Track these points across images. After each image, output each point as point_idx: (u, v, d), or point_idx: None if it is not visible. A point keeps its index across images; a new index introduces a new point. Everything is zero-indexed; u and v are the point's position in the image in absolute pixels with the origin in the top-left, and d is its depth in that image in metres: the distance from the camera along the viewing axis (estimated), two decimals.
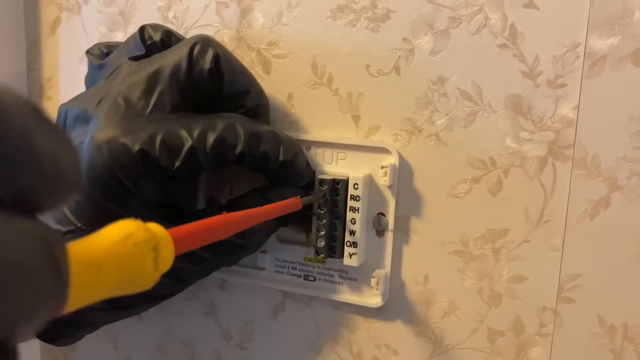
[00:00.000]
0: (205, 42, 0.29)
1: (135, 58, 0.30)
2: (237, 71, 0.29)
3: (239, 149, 0.28)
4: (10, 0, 0.38)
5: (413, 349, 0.33)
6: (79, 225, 0.27)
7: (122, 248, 0.15)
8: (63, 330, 0.28)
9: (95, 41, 0.38)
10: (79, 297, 0.13)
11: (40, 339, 0.28)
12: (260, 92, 0.31)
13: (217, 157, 0.28)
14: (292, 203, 0.27)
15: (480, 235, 0.30)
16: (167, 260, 0.17)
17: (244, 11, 0.34)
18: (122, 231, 0.15)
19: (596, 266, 0.28)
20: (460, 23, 0.29)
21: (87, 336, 0.42)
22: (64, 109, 0.30)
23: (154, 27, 0.31)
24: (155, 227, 0.16)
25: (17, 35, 0.39)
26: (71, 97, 0.31)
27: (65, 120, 0.30)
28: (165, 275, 0.26)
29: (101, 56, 0.33)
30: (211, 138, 0.27)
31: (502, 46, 0.29)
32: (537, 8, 0.28)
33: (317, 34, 0.32)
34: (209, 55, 0.28)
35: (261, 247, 0.31)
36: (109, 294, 0.15)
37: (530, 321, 0.30)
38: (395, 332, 0.33)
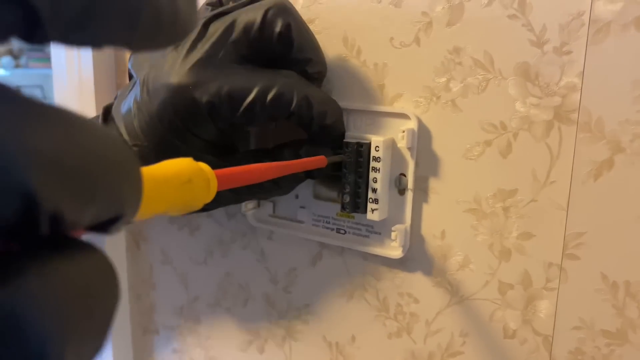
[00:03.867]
0: (281, 8, 0.32)
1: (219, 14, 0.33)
2: (304, 40, 0.33)
3: (291, 108, 0.32)
4: None
5: (432, 298, 0.36)
6: (145, 144, 0.33)
7: (183, 183, 0.21)
8: None
9: None
10: (145, 208, 0.19)
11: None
12: (321, 61, 0.35)
13: (272, 112, 0.32)
14: (317, 160, 0.32)
15: (491, 194, 0.33)
16: (211, 194, 0.23)
17: None
18: (184, 170, 0.22)
19: (600, 225, 0.30)
20: None
21: (163, 278, 0.49)
22: None
23: None
24: (205, 167, 0.23)
25: None
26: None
27: None
28: None
29: (215, 2, 0.36)
30: (269, 95, 0.32)
31: (512, 17, 0.30)
32: None
33: (347, 11, 0.36)
34: (282, 21, 0.32)
35: (289, 192, 0.36)
36: (164, 211, 0.21)
37: (537, 276, 0.32)
38: (416, 282, 0.36)
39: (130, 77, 0.36)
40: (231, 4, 0.34)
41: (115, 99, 0.36)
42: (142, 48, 0.13)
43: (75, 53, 0.47)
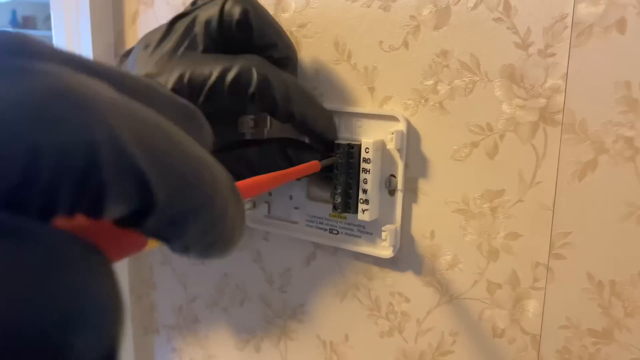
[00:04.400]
0: None
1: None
2: (265, 25, 0.34)
3: (251, 89, 0.32)
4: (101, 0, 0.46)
5: (422, 298, 0.36)
6: None
7: None
8: None
9: None
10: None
11: None
12: (287, 45, 0.35)
13: (233, 94, 0.32)
14: (311, 166, 0.32)
15: (479, 195, 0.33)
16: None
17: None
18: None
19: (585, 225, 0.30)
20: (459, 0, 0.32)
21: (163, 278, 0.50)
22: (138, 41, 0.36)
23: None
24: None
25: (106, 27, 0.47)
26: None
27: (133, 52, 0.36)
28: None
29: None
30: (229, 76, 0.32)
31: (497, 20, 0.31)
32: None
33: (338, 15, 0.36)
34: (238, 9, 0.33)
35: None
36: None
37: (525, 275, 0.32)
38: (407, 281, 0.37)
39: None
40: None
41: None
42: (204, 255, 0.15)
43: None
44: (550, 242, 0.31)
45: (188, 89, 0.32)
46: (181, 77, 0.32)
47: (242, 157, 0.35)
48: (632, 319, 0.30)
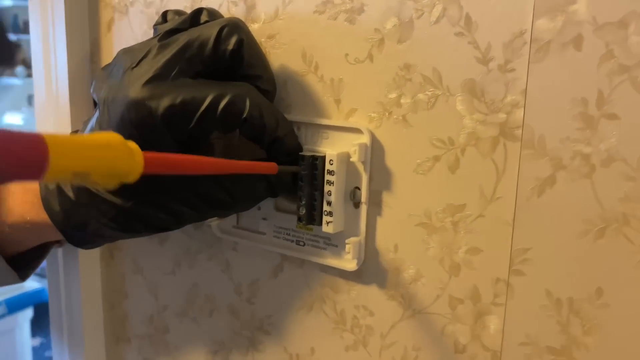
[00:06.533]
0: (235, 26, 0.33)
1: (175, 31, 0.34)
2: (255, 57, 0.34)
3: (243, 115, 0.33)
4: (76, 6, 0.46)
5: (386, 311, 0.36)
6: None
7: (104, 146, 0.23)
8: (87, 239, 0.36)
9: (140, 37, 0.45)
10: (57, 168, 0.20)
11: (72, 243, 0.37)
12: (271, 79, 0.36)
13: (224, 121, 0.33)
14: (267, 166, 0.32)
15: (441, 209, 0.33)
16: (137, 165, 0.24)
17: (249, 8, 0.39)
18: (106, 136, 0.23)
19: (544, 241, 0.30)
20: (422, 14, 0.32)
21: (134, 287, 0.50)
22: (118, 55, 0.36)
23: (211, 11, 0.35)
24: (133, 144, 0.24)
25: (82, 34, 0.47)
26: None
27: (114, 65, 0.35)
28: (167, 213, 0.35)
29: (160, 22, 0.37)
30: (222, 103, 0.32)
31: (459, 34, 0.31)
32: None
33: (305, 28, 0.36)
34: (234, 39, 0.33)
35: (249, 209, 0.37)
36: (83, 170, 0.22)
37: (485, 291, 0.32)
38: (371, 295, 0.36)
39: (96, 104, 0.37)
40: (177, 18, 0.35)
41: (83, 124, 0.37)
42: None
43: (53, 71, 0.48)
44: (510, 258, 0.31)
45: (180, 113, 0.32)
46: (173, 101, 0.32)
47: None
48: (590, 337, 0.29)
